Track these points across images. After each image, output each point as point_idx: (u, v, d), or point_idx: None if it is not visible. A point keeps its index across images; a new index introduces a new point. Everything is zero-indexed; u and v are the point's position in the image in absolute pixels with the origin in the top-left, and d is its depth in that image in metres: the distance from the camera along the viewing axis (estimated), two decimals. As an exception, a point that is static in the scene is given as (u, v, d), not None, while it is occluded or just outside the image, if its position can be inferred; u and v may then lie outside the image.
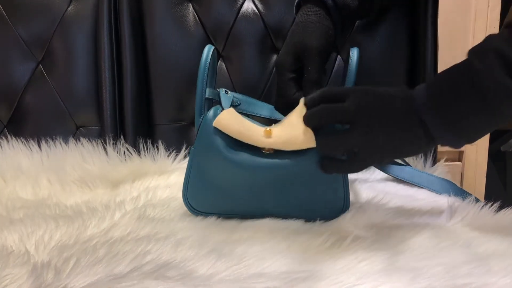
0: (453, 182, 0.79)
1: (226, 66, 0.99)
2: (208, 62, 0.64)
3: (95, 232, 0.59)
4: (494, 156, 1.28)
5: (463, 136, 0.53)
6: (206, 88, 0.64)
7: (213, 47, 0.64)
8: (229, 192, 0.62)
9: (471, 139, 0.54)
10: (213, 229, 0.60)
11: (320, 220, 0.62)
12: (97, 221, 0.63)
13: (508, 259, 0.49)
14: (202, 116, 0.63)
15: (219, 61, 0.99)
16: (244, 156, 0.60)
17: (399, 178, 0.80)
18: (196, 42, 0.97)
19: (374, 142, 0.54)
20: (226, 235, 0.57)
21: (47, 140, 0.94)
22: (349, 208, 0.63)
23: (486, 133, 0.54)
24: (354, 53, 0.64)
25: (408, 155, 0.59)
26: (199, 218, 0.64)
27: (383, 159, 0.58)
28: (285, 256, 0.51)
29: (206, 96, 0.64)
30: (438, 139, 0.54)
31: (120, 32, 0.95)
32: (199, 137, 0.62)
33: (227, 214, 0.64)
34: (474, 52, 0.51)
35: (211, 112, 0.62)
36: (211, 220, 0.63)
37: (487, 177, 1.02)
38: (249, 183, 0.61)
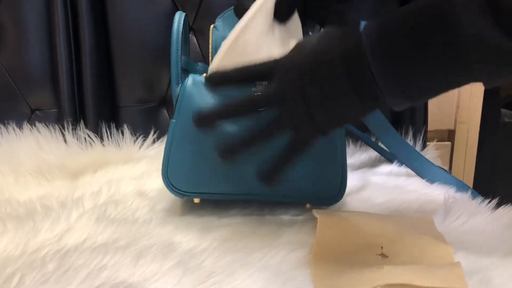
0: (443, 163, 0.79)
1: (197, 40, 0.94)
2: (180, 30, 0.61)
3: (47, 238, 0.55)
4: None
5: (412, 93, 0.41)
6: (181, 56, 0.61)
7: (184, 14, 0.62)
8: (214, 168, 0.58)
9: (420, 99, 0.42)
10: (180, 233, 0.55)
11: (312, 204, 0.59)
12: (50, 224, 0.58)
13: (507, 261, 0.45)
14: (180, 85, 0.60)
15: (190, 34, 0.93)
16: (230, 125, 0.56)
17: (391, 151, 0.76)
18: (163, 14, 0.92)
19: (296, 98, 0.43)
20: (194, 242, 0.52)
21: (-2, 125, 0.90)
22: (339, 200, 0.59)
23: (438, 95, 0.42)
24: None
25: (351, 114, 0.44)
26: (165, 219, 0.60)
27: (322, 119, 0.44)
28: (259, 269, 0.46)
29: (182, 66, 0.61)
30: (384, 94, 0.41)
31: (76, 2, 0.88)
32: (178, 108, 0.59)
33: (211, 193, 0.60)
34: None
35: (189, 80, 0.59)
36: (178, 221, 0.59)
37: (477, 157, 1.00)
38: None
